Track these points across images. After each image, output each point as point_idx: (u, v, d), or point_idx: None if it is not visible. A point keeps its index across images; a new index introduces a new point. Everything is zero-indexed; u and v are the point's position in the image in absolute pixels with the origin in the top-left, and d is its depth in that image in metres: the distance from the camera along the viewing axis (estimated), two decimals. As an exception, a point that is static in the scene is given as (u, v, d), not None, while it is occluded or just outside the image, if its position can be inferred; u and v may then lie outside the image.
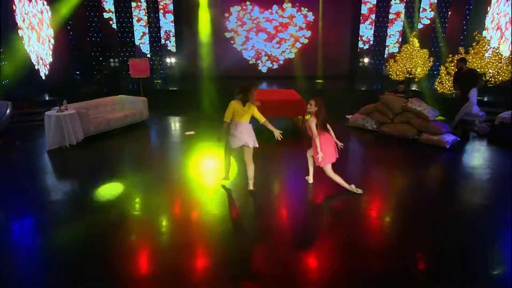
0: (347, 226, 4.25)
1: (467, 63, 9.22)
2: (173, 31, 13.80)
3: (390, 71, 11.39)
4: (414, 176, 5.91)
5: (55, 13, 11.40)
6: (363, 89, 12.10)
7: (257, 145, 4.87)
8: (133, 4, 13.12)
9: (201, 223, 4.34)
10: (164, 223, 4.34)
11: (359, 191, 4.99)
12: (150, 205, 4.77)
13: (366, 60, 14.11)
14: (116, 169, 6.09)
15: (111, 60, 13.19)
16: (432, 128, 7.30)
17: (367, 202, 4.90)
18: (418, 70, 10.88)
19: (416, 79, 11.25)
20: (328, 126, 4.84)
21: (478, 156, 6.92)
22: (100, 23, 12.91)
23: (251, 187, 5.00)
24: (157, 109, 9.99)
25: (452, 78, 8.35)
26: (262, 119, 4.79)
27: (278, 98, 8.39)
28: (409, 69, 10.94)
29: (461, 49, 9.59)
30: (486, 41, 9.29)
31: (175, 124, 9.08)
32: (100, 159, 6.59)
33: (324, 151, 4.71)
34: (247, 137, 4.74)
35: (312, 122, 4.67)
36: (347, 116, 9.28)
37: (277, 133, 4.76)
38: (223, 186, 5.25)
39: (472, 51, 9.29)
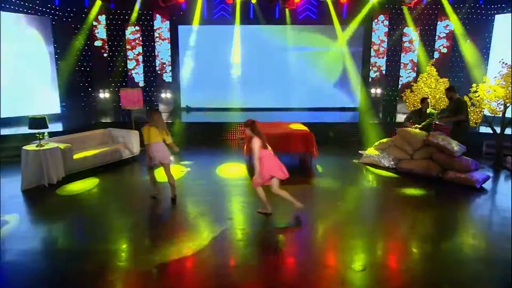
0: (366, 279, 3.96)
1: (492, 92, 9.18)
2: (169, 60, 14.02)
3: (406, 102, 11.40)
4: (440, 220, 5.66)
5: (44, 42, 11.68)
6: (377, 122, 12.06)
7: (172, 161, 6.05)
8: (127, 32, 13.45)
9: (195, 275, 4.07)
10: (152, 275, 4.07)
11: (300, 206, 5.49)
12: (136, 255, 4.52)
13: (378, 90, 14.20)
14: (100, 212, 5.88)
15: (101, 90, 13.30)
16: (458, 165, 7.10)
17: (388, 251, 4.68)
18: (438, 100, 10.86)
19: (437, 110, 11.21)
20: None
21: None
22: (90, 51, 13.18)
23: (173, 196, 6.09)
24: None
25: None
26: (169, 139, 6.06)
27: (284, 132, 8.31)
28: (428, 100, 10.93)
29: (486, 78, 9.60)
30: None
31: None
32: (83, 201, 6.38)
33: (269, 166, 5.26)
34: (162, 155, 5.90)
35: (256, 144, 5.21)
36: (360, 152, 9.15)
37: (176, 150, 6.20)
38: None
39: (498, 81, 9.27)
